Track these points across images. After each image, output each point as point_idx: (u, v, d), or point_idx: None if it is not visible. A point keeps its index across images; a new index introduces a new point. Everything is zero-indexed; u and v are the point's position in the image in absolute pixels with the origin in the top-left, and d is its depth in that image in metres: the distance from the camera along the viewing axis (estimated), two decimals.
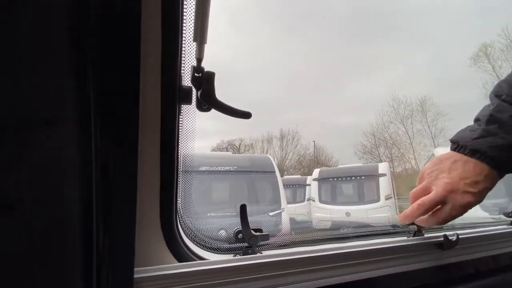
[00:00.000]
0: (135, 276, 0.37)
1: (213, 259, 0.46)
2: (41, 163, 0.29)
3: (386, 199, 8.05)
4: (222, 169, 4.96)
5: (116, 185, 0.32)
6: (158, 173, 0.40)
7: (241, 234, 0.52)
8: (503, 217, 0.85)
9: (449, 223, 0.65)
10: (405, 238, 0.67)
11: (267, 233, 0.54)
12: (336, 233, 0.72)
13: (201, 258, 0.46)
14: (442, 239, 0.63)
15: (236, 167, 5.40)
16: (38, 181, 0.30)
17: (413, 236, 0.68)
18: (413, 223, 0.64)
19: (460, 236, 0.65)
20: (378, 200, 8.26)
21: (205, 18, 0.40)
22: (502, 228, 0.74)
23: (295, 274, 0.50)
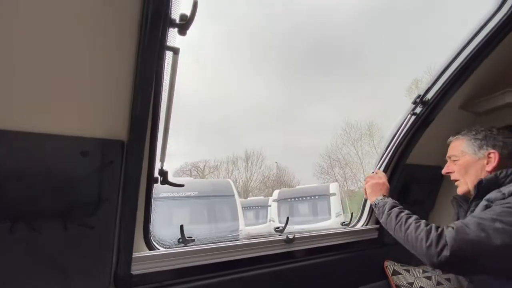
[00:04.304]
0: (133, 256, 0.92)
1: (165, 250, 1.02)
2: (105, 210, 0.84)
3: (337, 216, 8.78)
4: (183, 194, 5.30)
5: (128, 212, 0.88)
6: (143, 209, 0.96)
7: (180, 239, 1.09)
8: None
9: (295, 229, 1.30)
10: (273, 236, 1.29)
11: (194, 238, 1.12)
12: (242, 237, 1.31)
13: (158, 249, 1.02)
14: (285, 237, 1.27)
15: (197, 192, 5.72)
16: (103, 212, 0.84)
17: (278, 236, 1.31)
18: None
19: (296, 236, 1.30)
20: (329, 218, 8.91)
21: (165, 145, 0.99)
22: (323, 230, 1.42)
23: (207, 254, 1.08)
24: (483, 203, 0.93)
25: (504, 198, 0.88)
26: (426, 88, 1.43)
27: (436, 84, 1.41)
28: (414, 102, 1.44)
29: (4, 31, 0.60)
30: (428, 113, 1.46)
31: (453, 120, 1.61)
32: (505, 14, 1.24)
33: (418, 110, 1.46)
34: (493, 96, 1.54)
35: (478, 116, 1.69)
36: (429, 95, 1.43)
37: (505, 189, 0.91)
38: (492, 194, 0.92)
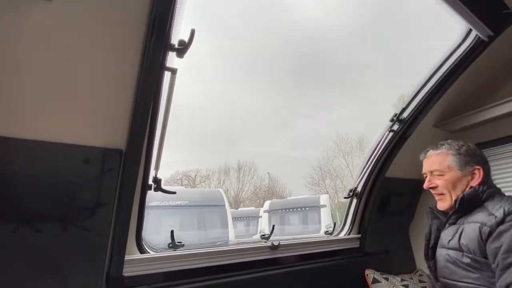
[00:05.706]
0: (125, 258, 0.97)
1: (156, 253, 1.08)
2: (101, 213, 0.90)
3: (327, 228, 8.76)
4: (173, 203, 5.26)
5: (123, 216, 0.94)
6: (136, 214, 1.02)
7: (170, 244, 1.15)
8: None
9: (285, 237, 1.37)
10: (259, 243, 1.36)
11: (184, 243, 1.18)
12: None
13: (149, 252, 1.08)
14: (270, 244, 1.34)
15: (187, 201, 5.69)
16: (101, 215, 0.90)
17: (264, 242, 1.38)
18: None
19: (281, 243, 1.37)
20: (320, 229, 8.91)
21: (160, 155, 1.06)
22: (307, 238, 1.49)
23: (196, 258, 1.14)
24: (475, 225, 0.94)
25: (502, 222, 0.88)
26: (402, 108, 1.57)
27: (411, 104, 1.55)
28: (392, 120, 1.57)
29: (11, 46, 0.68)
30: (404, 130, 1.59)
31: (428, 138, 1.75)
32: (470, 44, 1.40)
33: (395, 127, 1.59)
34: (463, 116, 1.69)
35: (451, 133, 1.84)
36: (405, 114, 1.56)
37: (494, 210, 0.91)
38: (480, 217, 0.94)
